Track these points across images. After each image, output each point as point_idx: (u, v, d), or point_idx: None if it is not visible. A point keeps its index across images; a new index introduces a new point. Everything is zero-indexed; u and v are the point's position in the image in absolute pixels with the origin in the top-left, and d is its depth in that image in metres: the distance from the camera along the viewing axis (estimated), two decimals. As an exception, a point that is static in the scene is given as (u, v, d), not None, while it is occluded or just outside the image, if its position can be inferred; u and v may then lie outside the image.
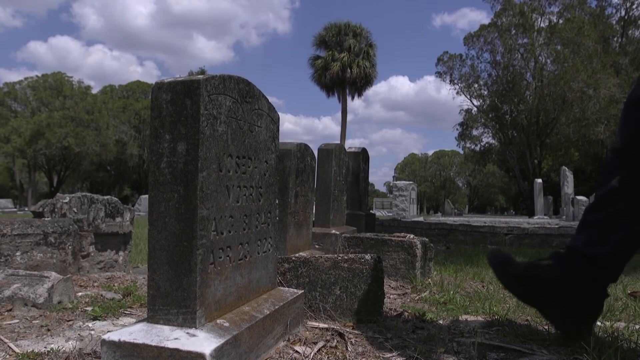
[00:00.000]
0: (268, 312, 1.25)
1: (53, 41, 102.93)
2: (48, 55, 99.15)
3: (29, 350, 1.28)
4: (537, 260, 1.48)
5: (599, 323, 1.58)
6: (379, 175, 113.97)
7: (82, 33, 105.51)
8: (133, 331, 1.03)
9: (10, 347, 1.32)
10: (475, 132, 30.01)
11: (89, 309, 1.77)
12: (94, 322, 1.62)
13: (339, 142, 4.56)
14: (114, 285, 2.31)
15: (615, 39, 24.78)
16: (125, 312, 1.78)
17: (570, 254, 1.42)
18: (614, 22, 24.48)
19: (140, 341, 0.99)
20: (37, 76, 37.24)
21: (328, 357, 1.23)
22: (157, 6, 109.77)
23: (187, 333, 1.02)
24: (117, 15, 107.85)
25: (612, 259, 1.35)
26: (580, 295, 1.35)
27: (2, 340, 1.38)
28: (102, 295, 2.04)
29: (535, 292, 1.40)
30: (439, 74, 26.92)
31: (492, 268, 1.46)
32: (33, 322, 1.59)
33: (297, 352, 1.25)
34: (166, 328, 1.04)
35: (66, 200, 2.70)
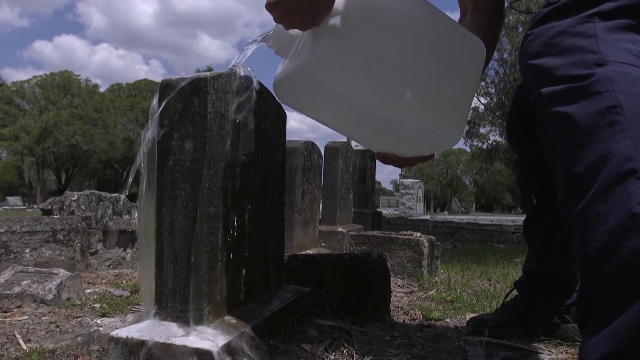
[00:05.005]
0: (275, 310, 1.25)
1: (58, 40, 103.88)
2: (54, 54, 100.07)
3: (38, 347, 1.30)
4: (503, 304, 1.55)
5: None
6: (385, 173, 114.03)
7: (87, 32, 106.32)
8: (141, 328, 1.03)
9: (20, 343, 1.33)
10: (482, 130, 29.86)
11: (97, 305, 1.79)
12: (102, 318, 1.63)
13: (345, 140, 4.55)
14: (121, 283, 2.33)
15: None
16: (133, 309, 1.79)
17: (527, 277, 1.48)
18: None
19: (148, 338, 0.99)
20: (45, 75, 37.50)
21: (335, 355, 1.23)
22: (161, 5, 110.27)
23: (195, 330, 1.02)
24: (121, 14, 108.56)
25: (559, 267, 1.40)
26: (553, 312, 1.41)
27: (12, 336, 1.39)
28: (110, 292, 2.06)
29: (523, 325, 1.45)
30: (446, 72, 26.72)
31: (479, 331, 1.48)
32: (42, 318, 1.61)
33: (304, 349, 1.25)
34: (174, 325, 1.05)
35: (74, 198, 2.72)
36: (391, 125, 1.00)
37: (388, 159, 1.12)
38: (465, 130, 1.13)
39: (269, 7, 0.88)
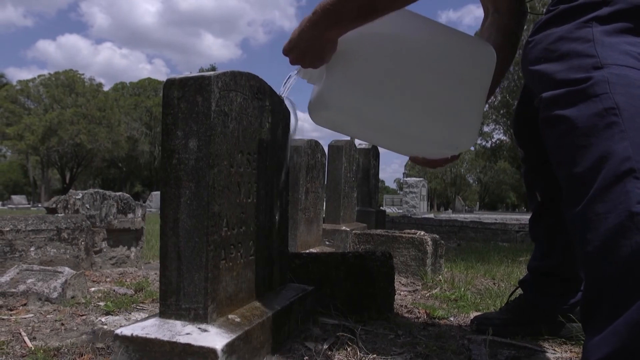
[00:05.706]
0: (279, 308, 1.25)
1: (62, 40, 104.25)
2: (57, 53, 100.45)
3: (43, 344, 1.30)
4: (508, 302, 1.56)
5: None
6: (389, 171, 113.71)
7: (90, 31, 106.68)
8: (145, 326, 1.04)
9: (25, 341, 1.34)
10: (486, 129, 29.76)
11: (102, 304, 1.79)
12: (107, 317, 1.63)
13: (348, 138, 4.55)
14: (126, 281, 2.34)
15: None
16: (137, 307, 1.80)
17: (532, 275, 1.48)
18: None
19: (152, 336, 0.99)
20: (49, 74, 37.58)
21: (339, 353, 1.23)
22: (164, 4, 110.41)
23: (199, 328, 1.02)
24: (124, 13, 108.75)
25: (564, 266, 1.40)
26: (557, 310, 1.40)
27: (18, 334, 1.40)
28: (114, 290, 2.07)
29: (527, 324, 1.44)
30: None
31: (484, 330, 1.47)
32: (47, 316, 1.62)
33: (308, 348, 1.25)
34: (178, 323, 1.05)
35: (79, 197, 2.73)
36: (405, 134, 1.11)
37: (419, 161, 1.22)
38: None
39: (285, 53, 1.03)
